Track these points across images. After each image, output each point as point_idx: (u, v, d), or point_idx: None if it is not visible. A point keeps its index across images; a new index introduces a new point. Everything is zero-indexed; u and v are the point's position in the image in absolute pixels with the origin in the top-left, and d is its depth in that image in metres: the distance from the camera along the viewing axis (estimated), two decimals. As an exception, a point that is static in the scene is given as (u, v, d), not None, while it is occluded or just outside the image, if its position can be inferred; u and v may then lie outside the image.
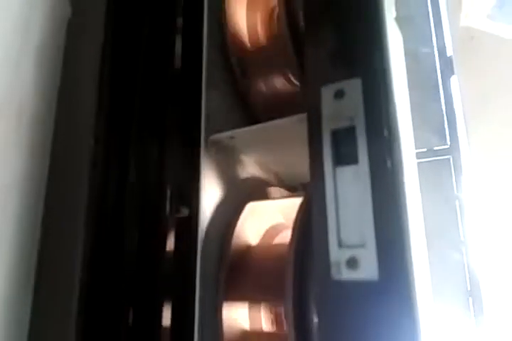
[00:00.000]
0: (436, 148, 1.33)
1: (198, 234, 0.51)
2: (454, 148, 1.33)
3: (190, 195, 0.52)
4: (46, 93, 0.52)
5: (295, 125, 0.51)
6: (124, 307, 0.53)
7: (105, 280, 0.52)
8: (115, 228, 0.50)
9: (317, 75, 0.45)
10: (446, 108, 1.37)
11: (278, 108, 0.57)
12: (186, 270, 0.53)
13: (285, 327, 0.55)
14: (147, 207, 0.50)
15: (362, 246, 0.40)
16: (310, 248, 0.48)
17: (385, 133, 0.41)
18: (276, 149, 0.58)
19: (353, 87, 0.43)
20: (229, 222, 0.56)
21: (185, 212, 0.51)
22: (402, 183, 0.41)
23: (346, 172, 0.42)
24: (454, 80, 1.38)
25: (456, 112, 1.32)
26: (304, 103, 0.46)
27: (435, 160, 1.33)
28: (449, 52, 1.35)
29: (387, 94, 0.42)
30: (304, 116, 0.48)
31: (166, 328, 0.52)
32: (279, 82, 0.57)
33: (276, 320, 0.58)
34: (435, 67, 1.37)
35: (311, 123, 0.44)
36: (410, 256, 0.38)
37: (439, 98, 1.39)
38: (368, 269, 0.39)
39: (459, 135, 1.29)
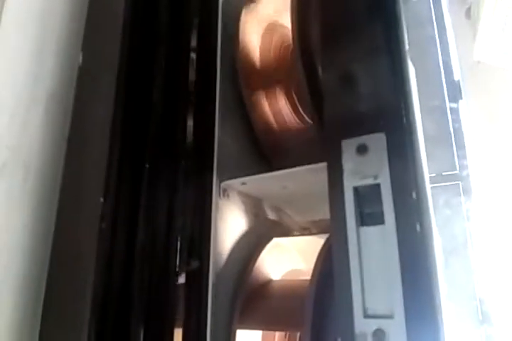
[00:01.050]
0: (445, 173, 1.31)
1: (209, 287, 0.48)
2: (463, 174, 1.30)
3: (201, 247, 0.49)
4: (54, 146, 0.50)
5: (310, 174, 0.48)
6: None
7: (113, 335, 0.49)
8: (123, 283, 0.47)
9: (337, 128, 0.42)
10: (454, 133, 1.35)
11: (293, 154, 0.55)
12: (197, 326, 0.50)
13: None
14: (156, 262, 0.47)
15: (390, 316, 0.37)
16: (329, 312, 0.46)
17: (414, 195, 0.38)
18: (291, 194, 0.55)
19: (377, 142, 0.40)
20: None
21: (195, 264, 0.48)
22: (432, 247, 0.38)
23: (371, 233, 0.40)
24: (462, 105, 1.37)
25: (464, 137, 1.30)
26: (322, 154, 0.44)
27: (444, 185, 1.31)
28: (457, 77, 1.34)
29: (413, 151, 0.40)
30: (320, 166, 0.45)
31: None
32: (295, 129, 0.55)
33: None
34: (443, 91, 1.35)
35: (332, 178, 0.42)
36: (442, 330, 0.36)
37: (447, 123, 1.38)
38: None
39: (468, 160, 1.27)
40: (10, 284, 0.46)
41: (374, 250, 0.39)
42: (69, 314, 0.50)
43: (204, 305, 0.49)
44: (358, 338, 0.37)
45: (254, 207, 0.57)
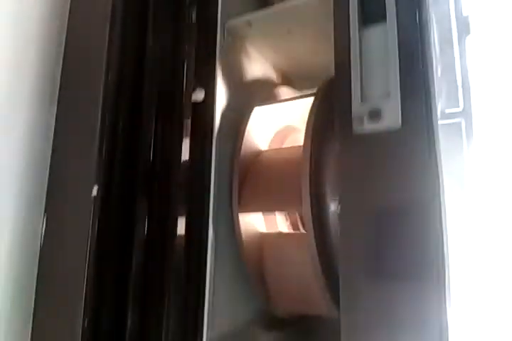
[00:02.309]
0: (448, 110, 1.30)
1: (215, 118, 0.50)
2: (466, 112, 1.30)
3: (207, 78, 0.50)
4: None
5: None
6: (137, 216, 0.52)
7: (118, 184, 0.51)
8: (133, 102, 0.49)
9: None
10: (460, 69, 1.34)
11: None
12: (201, 161, 0.51)
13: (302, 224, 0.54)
14: (163, 86, 0.49)
15: (386, 96, 0.38)
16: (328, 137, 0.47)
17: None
18: (293, 39, 0.56)
19: None
20: (237, 129, 0.55)
21: (200, 94, 0.49)
22: (429, 36, 0.39)
23: (373, 30, 0.41)
24: (469, 40, 1.35)
25: (470, 74, 1.29)
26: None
27: (446, 123, 1.31)
28: (466, 12, 1.32)
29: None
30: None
31: (180, 236, 0.51)
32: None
33: (293, 221, 0.57)
34: (450, 25, 1.33)
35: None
36: (434, 105, 0.37)
37: (453, 59, 1.36)
38: (391, 118, 0.37)
39: (472, 98, 1.26)
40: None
41: (375, 43, 0.40)
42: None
43: (209, 139, 0.50)
44: (354, 120, 0.38)
45: (256, 59, 0.58)
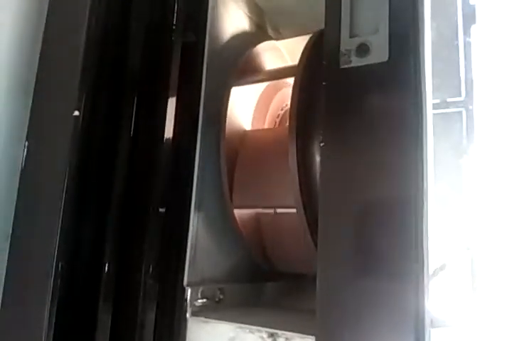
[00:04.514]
0: (449, 99, 1.30)
1: (205, 60, 0.50)
2: (468, 101, 1.29)
3: (198, 22, 0.50)
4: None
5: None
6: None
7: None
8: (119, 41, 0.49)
9: None
10: (464, 58, 1.33)
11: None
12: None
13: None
14: (153, 27, 0.49)
15: (374, 32, 0.38)
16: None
17: None
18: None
19: None
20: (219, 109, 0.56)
21: (191, 36, 0.49)
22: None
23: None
24: (474, 30, 1.34)
25: (473, 63, 1.28)
26: None
27: (448, 112, 1.30)
28: (473, 1, 1.32)
29: None
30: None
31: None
32: None
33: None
34: (456, 14, 1.33)
35: None
36: (423, 40, 0.37)
37: (458, 48, 1.35)
38: (379, 53, 0.37)
39: (474, 87, 1.26)
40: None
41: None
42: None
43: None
44: (342, 55, 0.38)
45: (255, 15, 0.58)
